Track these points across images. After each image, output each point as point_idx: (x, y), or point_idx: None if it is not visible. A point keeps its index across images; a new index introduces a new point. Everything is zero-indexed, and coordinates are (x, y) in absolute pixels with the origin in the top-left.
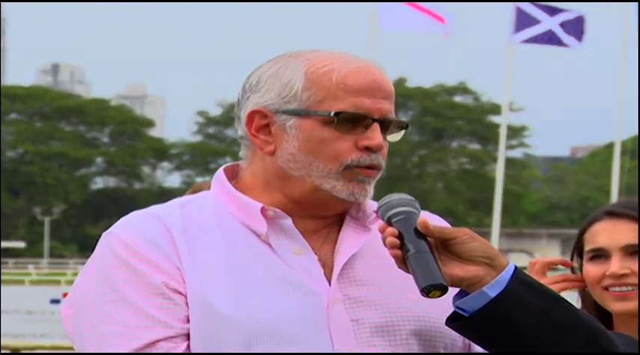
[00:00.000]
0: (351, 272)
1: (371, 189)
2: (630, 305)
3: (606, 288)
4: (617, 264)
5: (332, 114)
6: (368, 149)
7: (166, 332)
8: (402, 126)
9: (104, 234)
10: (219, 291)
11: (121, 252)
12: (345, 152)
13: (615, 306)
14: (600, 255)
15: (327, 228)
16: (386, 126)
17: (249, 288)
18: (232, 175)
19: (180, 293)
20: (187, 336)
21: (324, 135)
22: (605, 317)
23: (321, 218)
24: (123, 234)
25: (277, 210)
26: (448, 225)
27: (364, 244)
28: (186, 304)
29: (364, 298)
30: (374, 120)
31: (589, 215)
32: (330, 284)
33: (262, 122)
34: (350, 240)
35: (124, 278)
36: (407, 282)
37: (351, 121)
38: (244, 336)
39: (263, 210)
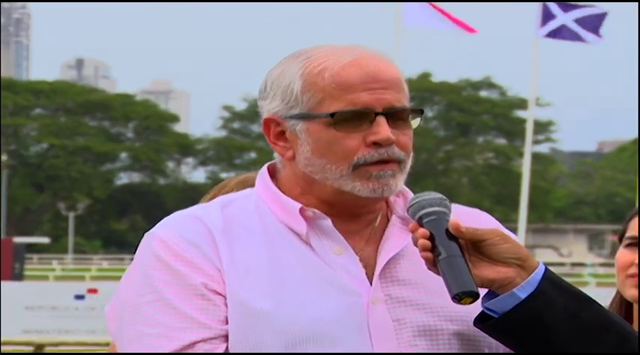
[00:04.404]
0: (394, 271)
1: (396, 182)
2: None
3: (631, 276)
4: None
5: (328, 115)
6: (376, 144)
7: (205, 333)
8: (417, 112)
9: (146, 234)
10: (259, 292)
11: (161, 253)
12: (352, 150)
13: (630, 292)
14: (635, 243)
15: (370, 228)
16: (394, 116)
17: (288, 289)
18: (273, 174)
19: (220, 294)
20: (226, 337)
21: (329, 137)
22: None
23: (361, 218)
24: (163, 235)
25: (316, 210)
26: (497, 224)
27: (408, 243)
28: (226, 305)
29: (406, 298)
30: (377, 114)
31: (616, 211)
32: (371, 284)
33: (277, 129)
34: (394, 239)
35: (163, 278)
36: None
37: (353, 119)
38: (283, 337)
39: (302, 211)
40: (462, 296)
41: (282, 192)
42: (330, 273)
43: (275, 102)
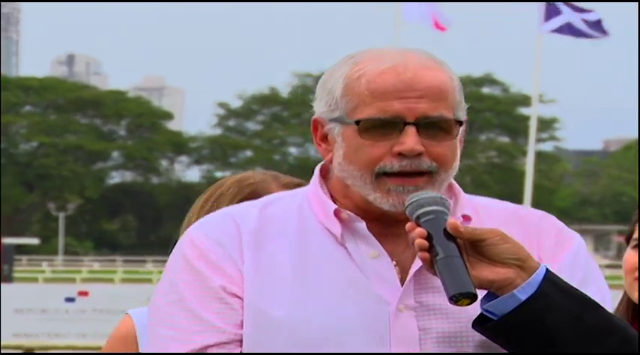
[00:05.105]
0: (429, 277)
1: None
2: None
3: (638, 278)
4: None
5: (354, 122)
6: (401, 155)
7: (219, 337)
8: (456, 122)
9: (185, 231)
10: (277, 295)
11: (187, 253)
12: (376, 159)
13: (638, 294)
14: None
15: None
16: (428, 126)
17: (310, 294)
18: (326, 173)
19: (239, 297)
20: (240, 342)
21: (359, 143)
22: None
23: (402, 221)
24: (194, 234)
25: (350, 213)
26: (560, 227)
27: None
28: (243, 308)
29: (437, 306)
30: (406, 123)
31: (622, 211)
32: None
33: (322, 131)
34: None
35: (186, 279)
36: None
37: (380, 127)
38: (294, 341)
39: (337, 212)
40: (459, 298)
41: (330, 192)
42: (359, 277)
43: (321, 103)
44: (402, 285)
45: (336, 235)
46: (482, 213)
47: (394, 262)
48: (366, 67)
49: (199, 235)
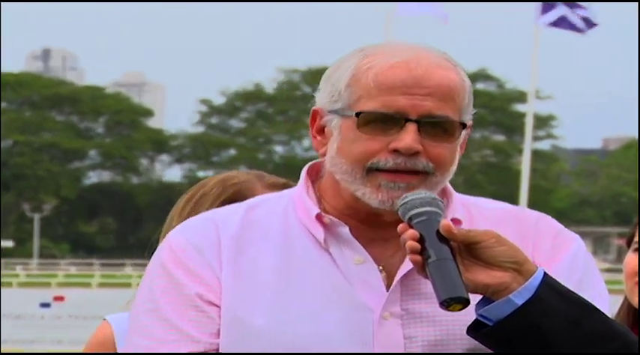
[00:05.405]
0: (418, 283)
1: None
2: None
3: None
4: None
5: (354, 114)
6: (397, 152)
7: (193, 347)
8: (460, 125)
9: (166, 235)
10: (258, 302)
11: (165, 259)
12: (371, 153)
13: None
14: None
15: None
16: (430, 125)
17: (292, 302)
18: (318, 172)
19: (216, 305)
20: (217, 351)
21: (356, 137)
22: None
23: (390, 224)
24: (173, 239)
25: (333, 217)
26: (558, 229)
27: None
28: (220, 316)
29: (424, 313)
30: (407, 120)
31: (622, 212)
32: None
33: (320, 123)
34: None
35: (162, 286)
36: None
37: (380, 122)
38: (274, 350)
39: (319, 217)
40: (450, 303)
41: (320, 193)
42: (343, 285)
43: (324, 94)
44: (387, 291)
45: (320, 240)
46: (475, 213)
47: (381, 267)
48: (376, 60)
49: (178, 240)
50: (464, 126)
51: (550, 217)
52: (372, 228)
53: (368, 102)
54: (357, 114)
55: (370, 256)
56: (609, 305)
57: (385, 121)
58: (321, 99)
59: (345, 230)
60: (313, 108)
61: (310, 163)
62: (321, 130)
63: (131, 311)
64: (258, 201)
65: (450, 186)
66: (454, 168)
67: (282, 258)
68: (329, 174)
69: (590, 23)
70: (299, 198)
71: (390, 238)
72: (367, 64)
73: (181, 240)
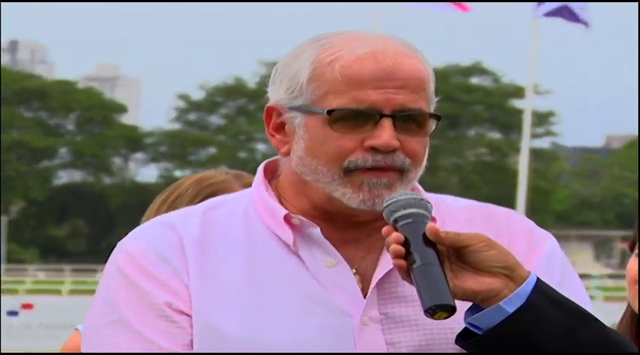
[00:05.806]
0: (394, 286)
1: (392, 194)
2: None
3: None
4: None
5: (325, 112)
6: (374, 149)
7: None
8: (433, 117)
9: (118, 243)
10: (230, 311)
11: (125, 267)
12: (346, 152)
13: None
14: None
15: (374, 236)
16: (405, 120)
17: (266, 309)
18: (274, 170)
19: (186, 314)
20: None
21: (325, 135)
22: None
23: (363, 225)
24: (130, 246)
25: (303, 218)
26: (530, 227)
27: None
28: (191, 326)
29: (405, 317)
30: (382, 116)
31: (625, 214)
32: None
33: (278, 120)
34: None
35: (125, 296)
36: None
37: (353, 119)
38: None
39: (287, 218)
40: (436, 310)
41: (278, 192)
42: (317, 289)
43: (281, 89)
44: (363, 295)
45: (288, 243)
46: (444, 212)
47: (354, 270)
48: (341, 51)
49: (137, 247)
50: (438, 118)
51: (518, 214)
52: (342, 228)
53: (336, 98)
54: (329, 112)
55: (342, 258)
56: (591, 305)
57: (357, 118)
58: (277, 94)
59: (316, 231)
60: (267, 105)
61: (267, 161)
62: (280, 128)
63: (86, 326)
64: (217, 201)
65: (417, 184)
66: (425, 163)
67: (248, 264)
68: (289, 173)
69: (587, 23)
70: (259, 197)
71: (361, 239)
72: (329, 55)
73: (141, 246)
